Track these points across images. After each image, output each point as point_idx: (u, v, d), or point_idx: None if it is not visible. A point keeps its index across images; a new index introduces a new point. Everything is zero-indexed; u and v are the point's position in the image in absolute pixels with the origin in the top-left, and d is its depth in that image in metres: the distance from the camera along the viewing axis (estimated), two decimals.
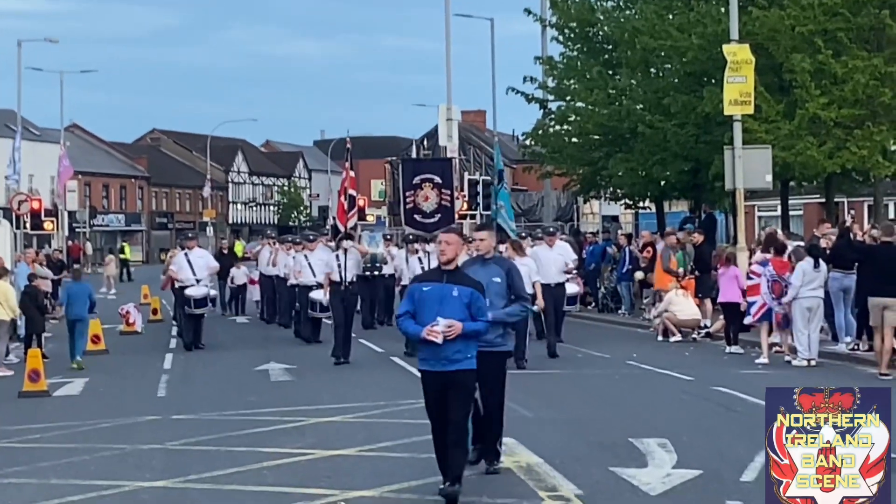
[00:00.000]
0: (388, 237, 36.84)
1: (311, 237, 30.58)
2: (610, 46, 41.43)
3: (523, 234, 29.23)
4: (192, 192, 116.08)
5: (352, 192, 29.36)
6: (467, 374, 11.39)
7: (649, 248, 32.92)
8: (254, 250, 39.37)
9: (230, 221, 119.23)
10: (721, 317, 26.95)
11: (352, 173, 28.66)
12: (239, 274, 37.84)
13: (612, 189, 43.83)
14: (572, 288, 26.78)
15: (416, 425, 15.76)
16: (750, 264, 25.56)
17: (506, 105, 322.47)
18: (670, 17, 37.51)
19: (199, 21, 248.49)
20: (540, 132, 43.23)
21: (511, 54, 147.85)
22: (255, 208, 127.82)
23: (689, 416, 16.64)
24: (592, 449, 14.08)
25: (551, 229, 27.99)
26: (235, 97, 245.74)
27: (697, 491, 11.74)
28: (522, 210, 62.14)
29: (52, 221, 58.90)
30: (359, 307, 28.37)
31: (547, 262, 24.57)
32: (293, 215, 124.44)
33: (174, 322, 31.37)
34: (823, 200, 38.61)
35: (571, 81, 41.59)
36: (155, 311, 38.07)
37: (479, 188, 49.57)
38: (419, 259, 25.24)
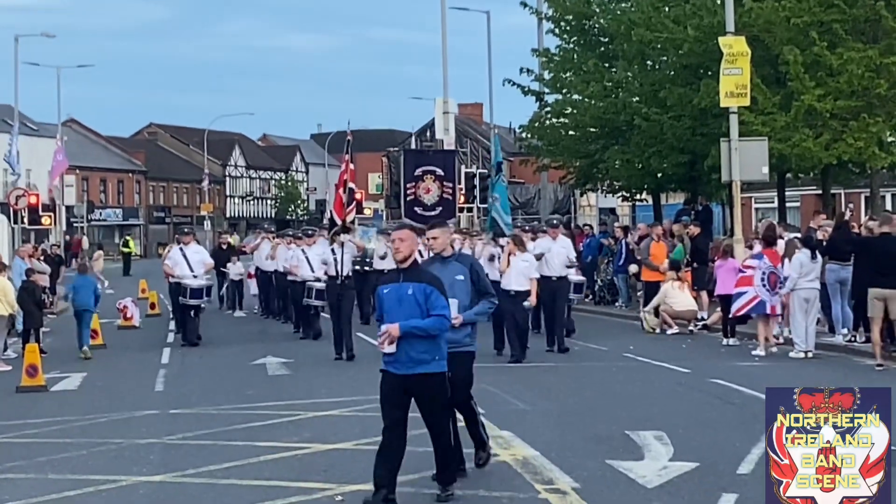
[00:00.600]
0: (389, 232, 36.66)
1: (310, 232, 30.41)
2: (606, 39, 41.47)
3: (526, 227, 28.92)
4: (190, 186, 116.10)
5: (351, 185, 28.95)
6: (435, 378, 10.87)
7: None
8: (251, 244, 38.98)
9: (227, 215, 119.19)
10: (718, 309, 26.98)
11: (352, 166, 28.22)
12: (235, 268, 37.56)
13: (608, 181, 43.87)
14: (577, 276, 26.60)
15: (412, 419, 15.76)
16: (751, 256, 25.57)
17: (503, 98, 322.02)
18: (666, 9, 37.52)
19: (195, 14, 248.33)
20: (536, 125, 43.25)
21: (507, 47, 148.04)
22: (252, 202, 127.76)
23: (685, 408, 16.66)
24: (589, 442, 14.09)
25: (555, 221, 27.66)
26: (232, 91, 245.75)
27: (694, 483, 11.75)
28: (519, 203, 62.06)
29: (50, 216, 58.91)
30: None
31: (550, 255, 24.37)
32: (290, 209, 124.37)
33: (172, 317, 31.33)
34: (820, 192, 38.64)
35: (568, 74, 41.63)
36: (153, 306, 38.05)
37: (476, 181, 49.63)
38: (419, 253, 24.73)
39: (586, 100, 40.33)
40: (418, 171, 28.44)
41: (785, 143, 31.76)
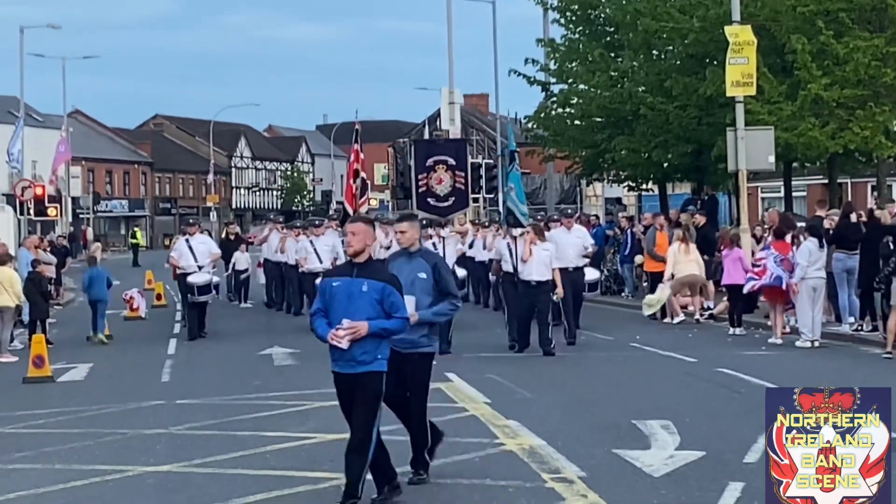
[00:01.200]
0: (392, 221, 36.51)
1: (318, 222, 30.12)
2: (612, 29, 41.42)
3: (538, 217, 28.58)
4: (196, 177, 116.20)
5: (363, 175, 28.45)
6: (374, 377, 10.48)
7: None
8: (260, 235, 38.63)
9: (233, 207, 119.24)
10: (725, 298, 26.96)
11: (361, 155, 27.78)
12: (242, 259, 37.23)
13: (614, 171, 43.84)
14: (592, 274, 26.29)
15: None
16: (761, 249, 25.56)
17: (508, 88, 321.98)
18: None
19: (201, 5, 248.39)
20: (542, 115, 43.21)
21: (513, 37, 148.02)
22: (258, 193, 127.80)
23: (692, 397, 16.65)
24: (595, 431, 14.09)
25: (569, 211, 27.24)
26: (238, 82, 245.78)
27: (700, 472, 11.75)
28: (525, 193, 62.13)
29: (56, 208, 58.96)
30: None
31: (565, 246, 24.09)
32: (296, 200, 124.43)
33: (178, 308, 31.33)
34: (827, 181, 38.61)
35: (573, 64, 41.57)
36: (159, 297, 38.08)
37: (482, 171, 49.60)
38: (433, 245, 23.78)
39: (592, 90, 40.30)
40: (430, 162, 28.05)
41: (791, 132, 31.73)
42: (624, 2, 40.13)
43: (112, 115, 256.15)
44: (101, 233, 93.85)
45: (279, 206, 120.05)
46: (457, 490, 11.29)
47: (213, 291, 27.88)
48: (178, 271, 27.45)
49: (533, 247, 21.84)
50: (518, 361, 20.86)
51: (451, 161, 28.67)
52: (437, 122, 60.99)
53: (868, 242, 22.77)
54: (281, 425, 14.93)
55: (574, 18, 42.07)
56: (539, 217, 28.50)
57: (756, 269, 23.80)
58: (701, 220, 29.82)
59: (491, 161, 56.96)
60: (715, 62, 34.17)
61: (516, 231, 23.52)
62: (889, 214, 23.51)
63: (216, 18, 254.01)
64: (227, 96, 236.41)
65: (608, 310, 32.17)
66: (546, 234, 24.30)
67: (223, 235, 42.91)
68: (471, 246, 31.19)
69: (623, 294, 34.68)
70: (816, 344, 22.29)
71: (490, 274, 25.71)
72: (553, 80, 42.87)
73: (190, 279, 26.65)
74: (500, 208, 47.03)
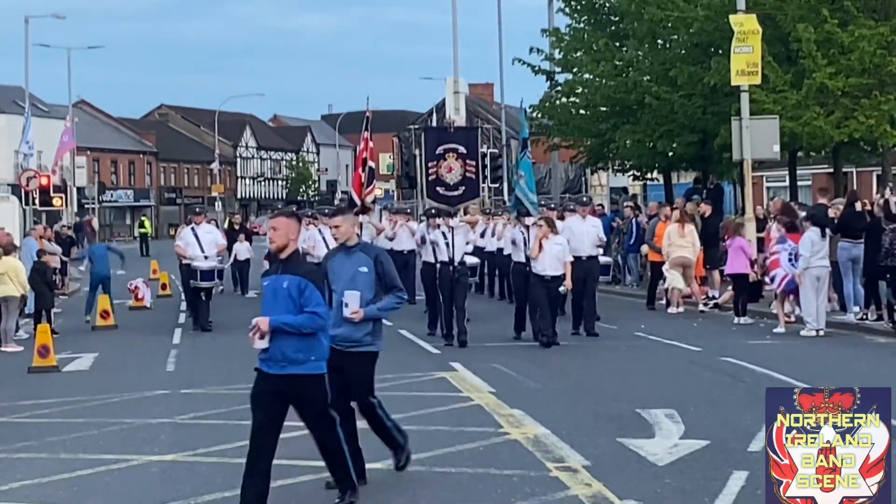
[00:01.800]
0: (408, 211, 36.23)
1: (327, 211, 29.84)
2: (617, 18, 41.38)
3: (552, 206, 28.18)
4: (201, 167, 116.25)
5: (371, 164, 28.12)
6: (311, 380, 10.05)
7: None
8: (264, 225, 38.33)
9: (238, 196, 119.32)
10: (730, 288, 26.96)
11: (371, 144, 27.33)
12: (242, 249, 36.94)
13: (619, 161, 43.81)
14: (603, 258, 26.04)
15: (424, 398, 15.85)
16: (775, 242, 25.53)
17: (513, 78, 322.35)
18: None
19: None
20: (547, 104, 43.15)
21: (518, 27, 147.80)
22: (263, 183, 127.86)
23: (696, 386, 16.66)
24: (600, 420, 14.11)
25: (584, 199, 26.76)
26: (243, 71, 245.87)
27: (705, 461, 11.77)
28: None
29: (61, 197, 58.96)
30: None
31: (580, 234, 23.79)
32: (301, 190, 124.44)
33: (183, 299, 31.29)
34: (832, 170, 38.57)
35: (578, 53, 41.52)
36: (164, 286, 38.09)
37: (487, 161, 49.55)
38: (443, 234, 23.16)
39: (597, 79, 40.26)
40: (440, 150, 27.60)
41: (796, 121, 31.68)
42: None
43: (117, 105, 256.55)
44: (106, 223, 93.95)
45: (284, 196, 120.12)
46: (461, 479, 11.31)
47: (218, 279, 27.75)
48: (184, 261, 27.15)
49: (545, 241, 21.42)
50: (522, 351, 20.87)
51: (462, 149, 28.21)
52: (443, 112, 60.97)
53: (873, 231, 22.77)
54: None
55: (579, 8, 42.02)
56: (553, 206, 28.06)
57: (773, 259, 23.70)
58: (706, 209, 29.79)
59: (496, 150, 56.92)
60: (720, 51, 34.11)
61: (528, 220, 23.26)
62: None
63: (221, 8, 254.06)
64: (232, 86, 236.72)
65: (613, 299, 32.14)
66: (560, 222, 24.04)
67: (226, 225, 42.86)
68: (482, 235, 31.08)
69: (627, 283, 34.67)
70: (821, 333, 22.29)
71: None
72: (558, 69, 42.84)
73: (194, 264, 26.50)
74: (506, 197, 47.08)
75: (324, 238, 27.14)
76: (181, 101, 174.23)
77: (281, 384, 10.05)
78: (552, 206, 28.27)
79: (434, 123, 66.93)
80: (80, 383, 19.14)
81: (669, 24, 36.94)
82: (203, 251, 26.72)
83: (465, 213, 32.65)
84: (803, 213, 25.21)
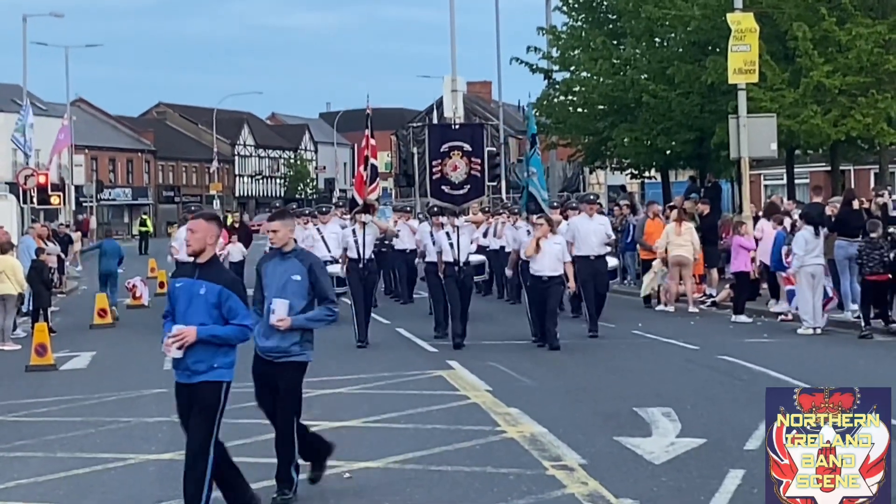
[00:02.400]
0: (408, 209, 36.01)
1: (325, 209, 29.60)
2: (614, 16, 41.45)
3: (555, 204, 27.70)
4: (199, 165, 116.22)
5: (374, 161, 27.58)
6: (211, 388, 9.67)
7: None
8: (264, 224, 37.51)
9: (237, 195, 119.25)
10: (727, 286, 26.96)
11: (373, 141, 26.80)
12: (235, 251, 35.84)
13: (617, 159, 43.83)
14: (612, 261, 25.35)
15: (421, 396, 15.85)
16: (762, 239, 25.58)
17: (511, 76, 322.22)
18: None
19: None
20: (545, 103, 43.17)
21: (516, 25, 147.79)
22: (261, 181, 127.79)
23: (693, 384, 16.66)
24: (596, 418, 14.11)
25: (591, 196, 26.22)
26: (241, 69, 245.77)
27: (701, 459, 11.77)
28: (521, 181, 62.12)
29: (59, 196, 58.97)
30: None
31: (587, 233, 23.26)
32: (300, 188, 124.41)
33: None
34: (829, 169, 38.60)
35: (576, 51, 41.56)
36: (162, 285, 38.00)
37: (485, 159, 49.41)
38: (447, 234, 22.24)
39: (594, 77, 40.31)
40: (444, 147, 27.09)
41: (793, 119, 31.73)
42: None
43: (115, 103, 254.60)
44: (104, 221, 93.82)
45: (282, 194, 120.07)
46: (458, 477, 11.31)
47: None
48: (180, 261, 25.99)
49: (544, 241, 20.85)
50: (519, 350, 20.85)
51: (467, 147, 27.68)
52: (441, 110, 60.98)
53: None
54: None
55: (577, 6, 42.09)
56: (555, 204, 27.68)
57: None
58: (704, 208, 29.78)
59: (493, 149, 56.89)
60: (717, 49, 34.16)
61: (537, 218, 22.72)
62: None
63: (219, 6, 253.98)
64: (230, 84, 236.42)
65: (610, 297, 32.06)
66: (566, 221, 23.82)
67: (231, 224, 42.62)
68: (484, 235, 30.72)
69: (624, 281, 34.62)
70: (819, 331, 22.30)
71: (507, 269, 24.76)
72: (556, 67, 42.87)
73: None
74: (504, 196, 47.09)
75: (322, 237, 26.88)
76: (179, 99, 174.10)
77: (188, 392, 9.76)
78: (555, 204, 27.85)
79: (435, 121, 66.78)
80: (78, 382, 19.13)
81: (667, 23, 36.98)
82: None
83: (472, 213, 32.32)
84: (799, 211, 25.25)
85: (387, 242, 28.94)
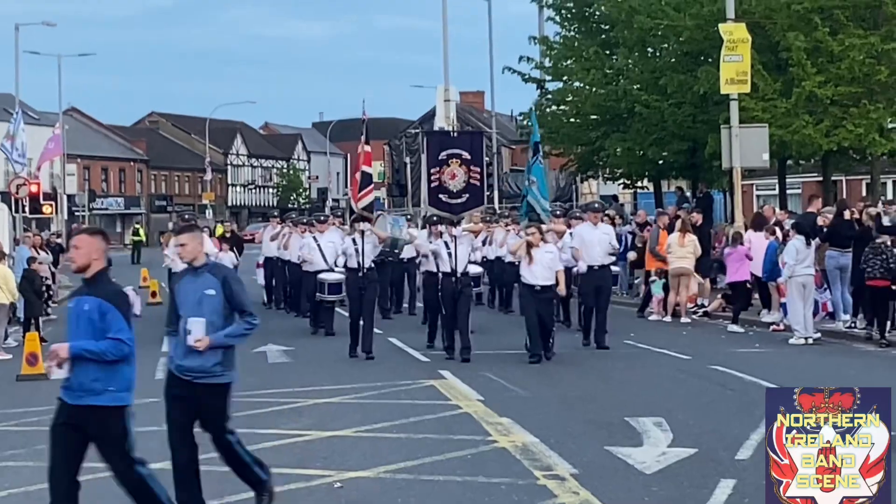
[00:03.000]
0: (409, 217, 35.61)
1: (322, 218, 28.73)
2: (607, 26, 41.52)
3: (557, 213, 27.25)
4: (192, 174, 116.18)
5: (367, 168, 26.46)
6: (110, 414, 9.36)
7: (649, 228, 32.82)
8: (271, 233, 36.64)
9: (229, 204, 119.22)
10: (719, 296, 26.97)
11: (367, 148, 25.89)
12: (225, 259, 35.52)
13: (609, 169, 43.90)
14: (613, 268, 24.63)
15: (413, 406, 15.83)
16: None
17: (504, 86, 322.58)
18: None
19: (197, 2, 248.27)
20: (537, 112, 43.20)
21: (509, 35, 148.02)
22: (254, 191, 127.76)
23: (685, 394, 16.67)
24: (588, 428, 14.11)
25: (595, 205, 25.73)
26: (233, 79, 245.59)
27: (692, 469, 11.78)
28: (520, 190, 62.15)
29: (51, 205, 58.87)
30: None
31: (591, 242, 22.62)
32: (292, 197, 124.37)
33: None
34: (821, 179, 38.66)
35: (569, 61, 41.63)
36: (154, 294, 38.03)
37: None
38: (445, 244, 21.57)
39: (587, 87, 40.38)
40: (443, 155, 26.54)
41: (785, 129, 31.79)
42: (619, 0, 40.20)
43: (108, 112, 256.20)
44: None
45: (275, 204, 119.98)
46: (449, 487, 11.30)
47: None
48: (174, 271, 25.40)
49: (535, 250, 20.36)
50: (511, 359, 20.82)
51: (466, 155, 27.09)
52: (433, 122, 60.95)
53: (861, 240, 22.82)
54: (274, 422, 14.93)
55: (569, 16, 42.19)
56: (558, 213, 27.30)
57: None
58: (697, 218, 29.78)
59: (487, 158, 56.90)
60: (709, 60, 34.21)
61: (528, 227, 22.34)
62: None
63: (212, 15, 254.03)
64: (222, 93, 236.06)
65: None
66: (571, 230, 23.56)
67: (218, 233, 42.61)
68: (482, 243, 29.91)
69: (616, 292, 34.56)
70: (810, 341, 22.33)
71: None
72: (548, 77, 42.92)
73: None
74: (497, 205, 47.04)
75: (319, 246, 26.21)
76: (172, 108, 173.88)
77: (77, 416, 9.31)
78: (558, 213, 27.50)
79: (431, 127, 66.56)
80: None
81: (659, 33, 37.08)
82: None
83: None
84: (791, 221, 25.29)
85: (396, 251, 27.91)
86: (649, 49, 40.06)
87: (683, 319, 27.01)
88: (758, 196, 56.44)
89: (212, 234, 39.98)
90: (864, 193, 44.62)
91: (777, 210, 30.79)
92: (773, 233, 25.67)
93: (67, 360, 9.24)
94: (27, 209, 52.09)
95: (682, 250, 27.35)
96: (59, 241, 48.13)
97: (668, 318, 27.37)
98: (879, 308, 21.88)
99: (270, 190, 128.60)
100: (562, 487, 11.12)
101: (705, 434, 13.43)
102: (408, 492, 11.18)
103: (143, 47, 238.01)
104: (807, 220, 24.14)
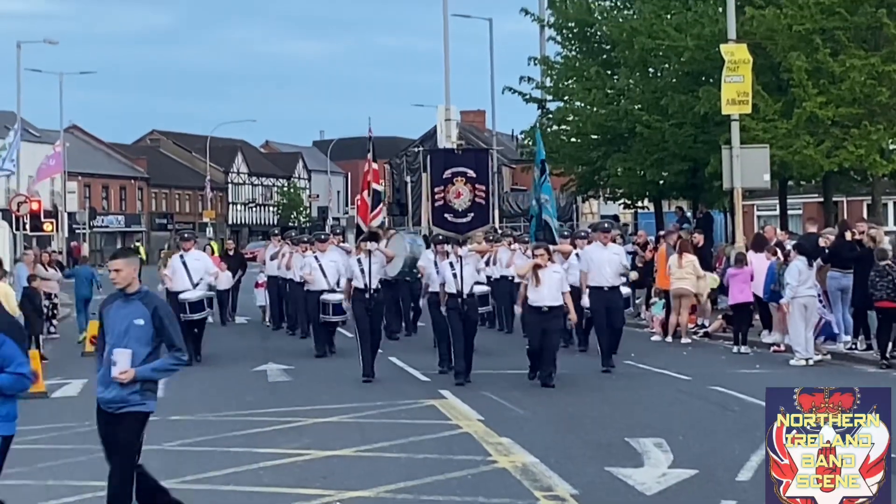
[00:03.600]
0: (425, 236, 35.33)
1: (323, 237, 27.74)
2: (608, 46, 41.53)
3: (565, 233, 26.84)
4: (192, 192, 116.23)
5: (376, 186, 25.91)
6: None
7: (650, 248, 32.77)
8: (271, 252, 36.05)
9: (230, 222, 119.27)
10: (720, 317, 26.94)
11: (374, 166, 25.24)
12: (224, 278, 34.86)
13: (610, 189, 43.92)
14: (624, 290, 23.95)
15: (413, 425, 15.82)
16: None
17: (505, 105, 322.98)
18: (668, 16, 37.65)
19: (198, 21, 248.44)
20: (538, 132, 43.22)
21: (510, 54, 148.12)
22: (254, 209, 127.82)
23: (685, 415, 16.65)
24: (588, 448, 14.09)
25: (605, 225, 25.01)
26: (234, 98, 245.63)
27: (693, 490, 11.76)
28: (521, 210, 62.17)
29: (52, 223, 58.96)
30: None
31: (601, 263, 22.23)
32: (293, 216, 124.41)
33: None
34: (822, 200, 38.67)
35: (570, 81, 41.67)
36: None
37: None
38: (450, 265, 20.96)
39: (588, 107, 40.42)
40: (447, 173, 25.94)
41: (786, 150, 31.80)
42: (620, 20, 40.31)
43: (109, 130, 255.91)
44: (96, 248, 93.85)
45: (276, 222, 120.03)
46: None
47: (209, 308, 26.08)
48: (171, 290, 25.01)
49: (541, 271, 19.81)
50: (512, 379, 20.79)
51: (471, 173, 26.44)
52: (434, 140, 60.98)
53: (862, 261, 22.81)
54: (274, 441, 14.92)
55: (570, 36, 42.20)
56: (566, 233, 26.91)
57: None
58: (699, 238, 29.77)
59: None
60: (710, 80, 34.22)
61: (535, 247, 21.49)
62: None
63: (214, 34, 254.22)
64: (223, 112, 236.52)
65: None
66: (579, 251, 23.24)
67: (223, 251, 42.46)
68: (487, 263, 29.29)
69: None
70: (811, 362, 22.31)
71: (516, 305, 23.66)
72: (549, 97, 42.97)
73: (182, 296, 24.47)
74: (497, 224, 46.98)
75: (320, 265, 25.67)
76: (173, 126, 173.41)
77: None
78: (565, 233, 27.11)
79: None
80: (69, 409, 19.03)
81: (660, 53, 37.13)
82: (191, 279, 24.82)
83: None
84: (792, 242, 25.27)
85: (415, 271, 27.06)
86: (650, 69, 40.10)
87: (684, 340, 26.99)
88: (758, 216, 56.44)
89: (212, 252, 40.00)
90: (864, 214, 44.62)
91: (778, 231, 30.76)
92: (774, 253, 25.64)
93: None
94: (28, 227, 52.14)
95: (680, 271, 27.32)
96: (59, 258, 48.14)
97: (668, 339, 27.36)
98: (883, 329, 21.87)
99: (271, 208, 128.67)
100: None
101: (706, 455, 13.41)
102: None
103: (145, 66, 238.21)
104: (809, 241, 24.14)
